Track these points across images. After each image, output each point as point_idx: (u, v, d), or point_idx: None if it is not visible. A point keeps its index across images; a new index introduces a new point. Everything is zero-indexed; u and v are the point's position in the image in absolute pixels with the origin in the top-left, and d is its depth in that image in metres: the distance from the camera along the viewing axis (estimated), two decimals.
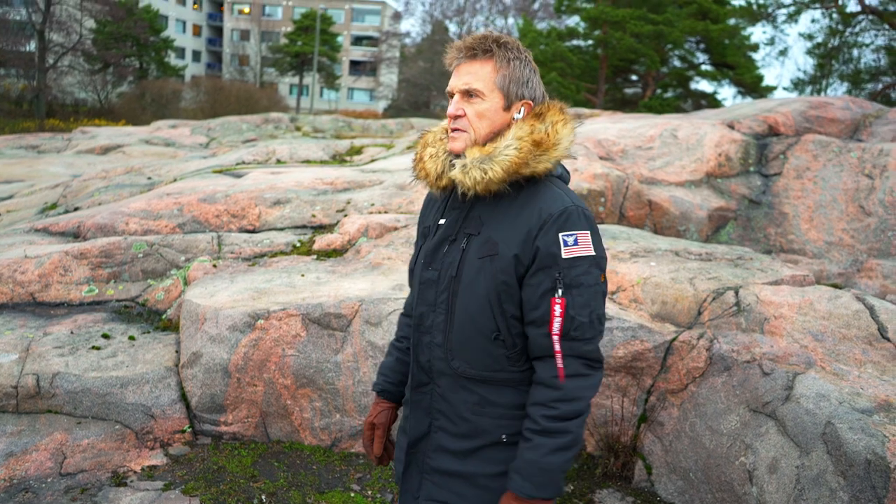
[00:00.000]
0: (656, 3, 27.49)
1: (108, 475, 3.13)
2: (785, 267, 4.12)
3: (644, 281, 3.85)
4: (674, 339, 3.40)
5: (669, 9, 27.34)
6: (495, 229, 1.61)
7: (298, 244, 4.81)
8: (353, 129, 18.37)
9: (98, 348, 3.66)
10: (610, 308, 3.63)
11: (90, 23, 34.19)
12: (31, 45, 31.22)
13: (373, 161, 7.91)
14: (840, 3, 26.48)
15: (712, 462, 3.01)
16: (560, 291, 1.54)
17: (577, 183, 5.55)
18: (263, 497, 3.03)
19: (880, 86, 27.44)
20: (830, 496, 2.46)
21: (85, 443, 3.23)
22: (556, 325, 1.54)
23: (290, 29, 46.82)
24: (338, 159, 8.79)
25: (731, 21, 28.37)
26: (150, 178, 7.41)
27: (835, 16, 27.30)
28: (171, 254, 4.61)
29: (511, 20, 46.64)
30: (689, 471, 3.12)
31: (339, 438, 3.53)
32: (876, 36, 27.19)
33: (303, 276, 4.14)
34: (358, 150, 9.30)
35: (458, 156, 1.65)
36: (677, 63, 30.87)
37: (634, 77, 32.44)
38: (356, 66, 56.61)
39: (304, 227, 5.20)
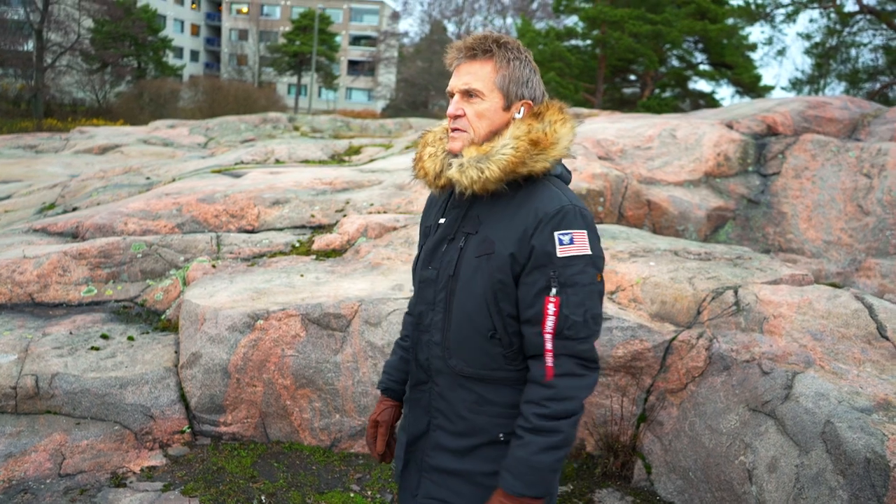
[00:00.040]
0: (655, 2, 27.50)
1: (107, 476, 3.13)
2: (784, 266, 4.13)
3: (643, 281, 3.85)
4: (673, 339, 3.40)
5: (668, 9, 27.36)
6: (493, 228, 1.62)
7: (297, 244, 4.81)
8: (352, 128, 18.37)
9: (97, 349, 3.66)
10: (609, 308, 3.63)
11: (88, 22, 34.16)
12: (29, 45, 31.19)
13: (371, 161, 7.91)
14: (838, 2, 26.53)
15: (712, 461, 3.01)
16: (554, 290, 1.54)
17: (576, 183, 5.56)
18: (263, 497, 3.03)
19: (878, 85, 27.51)
20: (830, 495, 2.46)
21: (84, 443, 3.22)
22: (549, 323, 1.54)
23: (288, 28, 46.80)
24: (336, 159, 8.79)
25: (730, 21, 28.39)
26: (148, 178, 7.40)
27: (833, 15, 27.35)
28: (170, 254, 4.61)
29: (509, 20, 46.69)
30: (689, 470, 3.13)
31: (338, 439, 3.53)
32: (874, 35, 27.26)
33: (302, 276, 4.13)
34: (356, 150, 9.30)
35: (456, 155, 1.66)
36: (675, 63, 30.89)
37: (633, 77, 32.45)
38: (354, 66, 56.59)
39: (303, 227, 5.20)
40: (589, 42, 30.20)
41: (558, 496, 3.08)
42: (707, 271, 3.91)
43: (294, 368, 3.50)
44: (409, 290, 3.80)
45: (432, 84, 43.16)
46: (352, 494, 3.12)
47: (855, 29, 27.43)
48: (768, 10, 27.39)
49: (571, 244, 1.55)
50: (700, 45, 29.85)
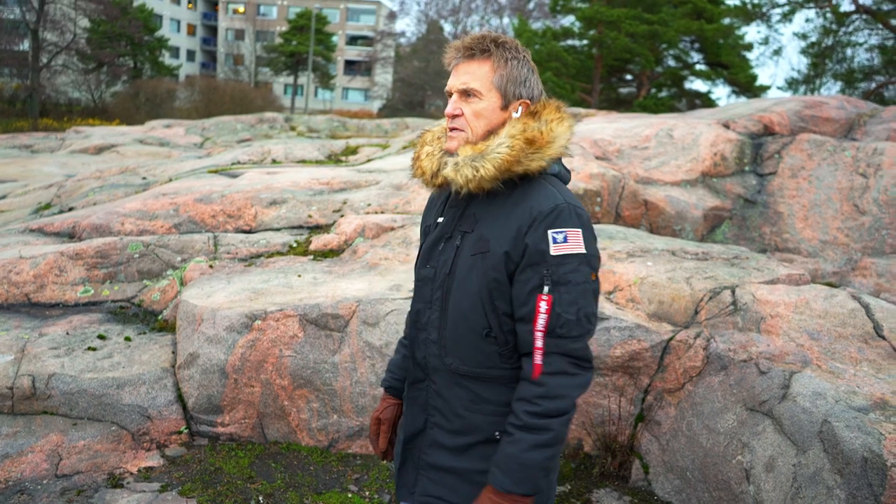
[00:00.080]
0: (651, 2, 27.52)
1: (104, 477, 3.12)
2: (781, 266, 4.13)
3: (641, 280, 3.85)
4: (671, 339, 3.40)
5: (664, 8, 27.39)
6: (488, 227, 1.62)
7: (295, 244, 4.81)
8: (349, 128, 18.36)
9: (94, 349, 3.65)
10: (607, 308, 3.63)
11: (84, 22, 34.09)
12: (25, 45, 31.13)
13: (369, 161, 7.91)
14: (834, 2, 26.59)
15: (709, 461, 3.01)
16: (547, 288, 1.54)
17: (573, 183, 5.56)
18: (261, 498, 3.03)
19: (874, 85, 27.56)
20: (827, 494, 2.47)
21: (81, 444, 3.21)
22: (541, 321, 1.54)
23: (284, 28, 46.76)
24: (333, 159, 8.78)
25: (726, 21, 28.42)
26: (145, 178, 7.39)
27: (829, 15, 27.41)
28: (167, 254, 4.60)
29: (506, 20, 46.65)
30: (686, 470, 3.13)
31: (336, 439, 3.52)
32: (869, 35, 27.33)
33: (300, 276, 4.13)
34: (353, 150, 9.29)
35: (452, 154, 1.66)
36: (672, 63, 30.91)
37: (629, 77, 32.47)
38: (351, 66, 56.54)
39: (300, 227, 5.19)
40: (585, 42, 30.22)
41: (556, 496, 3.08)
42: (704, 271, 3.91)
43: (292, 369, 3.49)
44: (407, 290, 3.80)
45: (429, 84, 43.13)
46: (349, 495, 3.12)
47: (851, 29, 27.50)
48: (764, 9, 27.45)
49: (565, 242, 1.55)
50: (696, 45, 29.88)
